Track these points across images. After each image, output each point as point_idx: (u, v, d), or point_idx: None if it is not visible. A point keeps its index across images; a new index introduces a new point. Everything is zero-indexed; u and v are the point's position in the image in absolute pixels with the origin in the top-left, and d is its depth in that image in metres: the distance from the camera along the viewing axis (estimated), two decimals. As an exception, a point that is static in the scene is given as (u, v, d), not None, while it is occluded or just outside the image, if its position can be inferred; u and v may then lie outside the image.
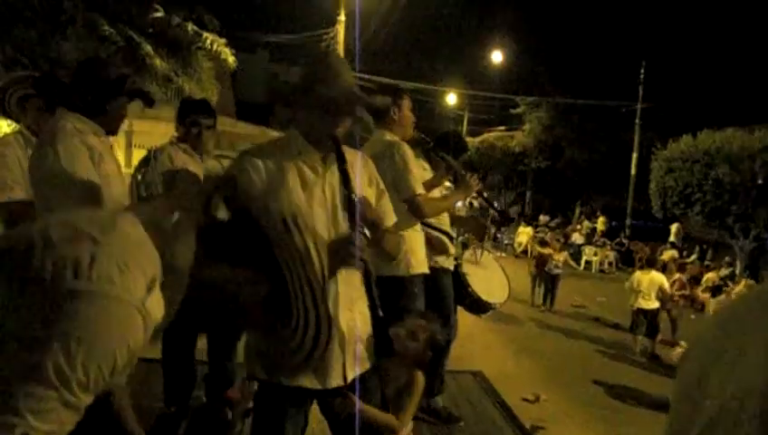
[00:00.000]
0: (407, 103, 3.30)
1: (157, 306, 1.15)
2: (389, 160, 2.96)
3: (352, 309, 1.95)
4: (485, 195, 3.66)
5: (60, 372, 1.00)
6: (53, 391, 1.01)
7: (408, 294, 3.01)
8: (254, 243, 1.31)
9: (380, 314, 1.91)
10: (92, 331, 1.05)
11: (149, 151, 3.22)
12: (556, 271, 10.34)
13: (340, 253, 1.75)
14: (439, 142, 3.86)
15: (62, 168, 2.27)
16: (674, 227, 18.88)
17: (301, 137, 1.95)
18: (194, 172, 3.14)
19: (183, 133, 3.22)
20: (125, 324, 1.09)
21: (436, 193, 3.48)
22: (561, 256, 10.69)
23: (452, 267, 3.70)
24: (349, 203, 1.86)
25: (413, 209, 2.95)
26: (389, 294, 2.79)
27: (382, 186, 2.16)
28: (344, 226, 1.90)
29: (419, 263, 3.11)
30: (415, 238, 3.10)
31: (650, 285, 8.00)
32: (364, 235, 1.79)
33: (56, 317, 1.04)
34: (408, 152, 3.05)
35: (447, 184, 3.90)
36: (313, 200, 1.93)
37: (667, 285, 8.19)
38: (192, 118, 3.20)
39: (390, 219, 2.14)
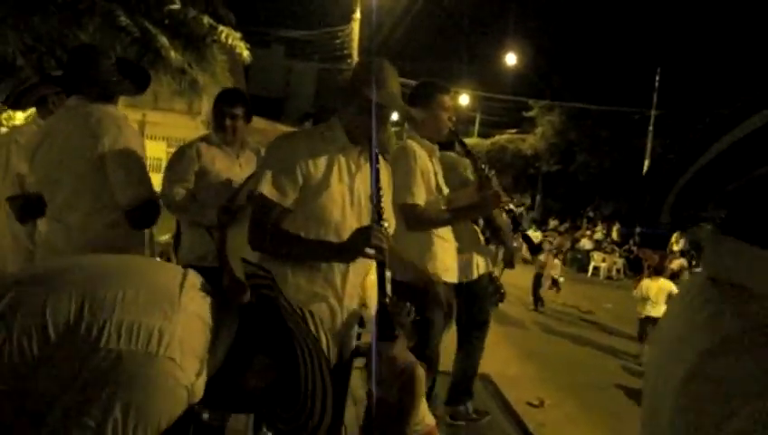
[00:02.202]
0: (438, 102, 2.99)
1: (199, 389, 1.27)
2: (399, 164, 2.86)
3: (357, 296, 2.13)
4: (513, 209, 3.17)
5: (115, 431, 1.11)
6: None
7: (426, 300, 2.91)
8: (275, 332, 1.39)
9: (387, 301, 2.02)
10: (150, 400, 1.16)
11: (179, 148, 3.22)
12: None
13: (362, 239, 1.90)
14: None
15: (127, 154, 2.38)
16: (674, 237, 18.75)
17: (344, 132, 2.11)
18: (221, 171, 3.11)
19: (217, 126, 3.13)
20: (176, 400, 1.21)
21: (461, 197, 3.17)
22: (556, 268, 10.77)
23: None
24: (376, 198, 2.00)
25: (405, 217, 2.78)
26: (408, 300, 2.81)
27: (391, 193, 2.34)
28: (368, 219, 2.05)
29: (441, 271, 2.89)
30: (438, 245, 2.93)
31: (659, 292, 7.95)
32: (385, 228, 1.95)
33: (121, 382, 1.13)
34: (419, 160, 2.86)
35: None
36: (345, 194, 2.08)
37: (676, 292, 8.12)
38: (222, 108, 3.09)
39: (392, 223, 2.30)
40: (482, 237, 3.54)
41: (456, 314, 3.59)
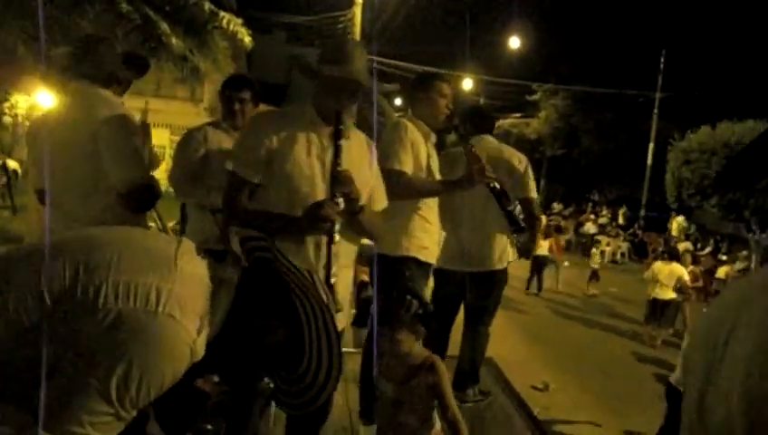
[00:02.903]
0: (436, 89, 3.06)
1: (201, 347, 1.27)
2: (388, 134, 2.92)
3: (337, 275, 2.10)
4: (497, 186, 3.14)
5: (119, 389, 1.13)
6: (111, 407, 1.14)
7: (397, 275, 2.86)
8: (275, 291, 1.39)
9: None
10: (152, 357, 1.17)
11: (187, 132, 3.22)
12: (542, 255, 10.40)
13: (311, 212, 1.96)
14: (464, 118, 3.66)
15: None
16: (675, 222, 18.70)
17: (314, 110, 2.15)
18: (227, 155, 3.12)
19: (225, 112, 3.13)
20: (178, 356, 1.22)
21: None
22: (546, 244, 10.68)
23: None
24: (332, 173, 2.03)
25: (389, 182, 2.73)
26: (384, 274, 2.82)
27: (379, 175, 2.34)
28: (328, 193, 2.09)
29: (415, 248, 2.91)
30: (418, 223, 2.94)
31: (670, 275, 7.99)
32: (337, 203, 1.97)
33: (122, 340, 1.14)
34: (410, 133, 2.89)
35: None
36: (315, 168, 2.10)
37: (687, 276, 8.16)
38: (230, 94, 3.10)
39: (380, 205, 2.32)
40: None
41: (468, 300, 3.62)
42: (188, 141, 3.12)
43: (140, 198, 2.44)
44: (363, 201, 2.15)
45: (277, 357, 1.42)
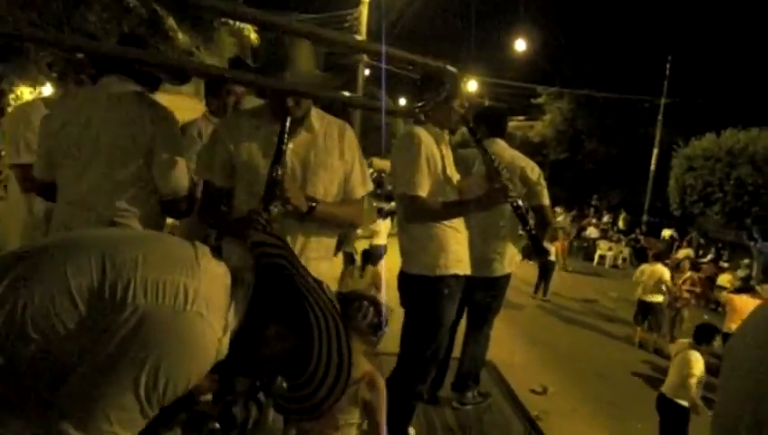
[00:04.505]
0: (447, 86, 2.79)
1: (225, 346, 1.26)
2: (401, 152, 2.79)
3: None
4: (521, 205, 2.86)
5: (147, 387, 1.12)
6: (138, 404, 1.13)
7: (436, 294, 2.75)
8: (288, 297, 1.37)
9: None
10: (181, 355, 1.16)
11: (182, 127, 3.18)
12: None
13: (242, 225, 1.90)
14: (478, 120, 3.52)
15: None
16: (666, 234, 18.81)
17: (269, 109, 2.16)
18: None
19: (220, 105, 3.06)
20: (205, 355, 1.21)
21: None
22: (552, 248, 10.72)
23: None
24: (269, 176, 1.97)
25: (404, 208, 2.70)
26: (417, 294, 2.78)
27: (356, 161, 2.27)
28: (310, 189, 2.11)
29: (453, 264, 2.77)
30: (450, 236, 2.81)
31: (651, 276, 8.07)
32: (268, 211, 1.93)
33: (151, 338, 1.13)
34: (423, 147, 2.72)
35: None
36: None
37: (667, 277, 8.17)
38: (226, 87, 3.02)
39: (359, 191, 2.27)
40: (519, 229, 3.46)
41: (471, 303, 3.57)
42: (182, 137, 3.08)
43: (182, 206, 2.41)
44: (326, 195, 2.15)
45: (284, 363, 1.40)
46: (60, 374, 1.12)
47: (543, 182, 3.58)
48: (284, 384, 1.48)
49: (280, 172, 1.98)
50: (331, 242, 2.29)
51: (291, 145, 2.08)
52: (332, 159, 2.18)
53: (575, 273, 13.46)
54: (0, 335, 1.10)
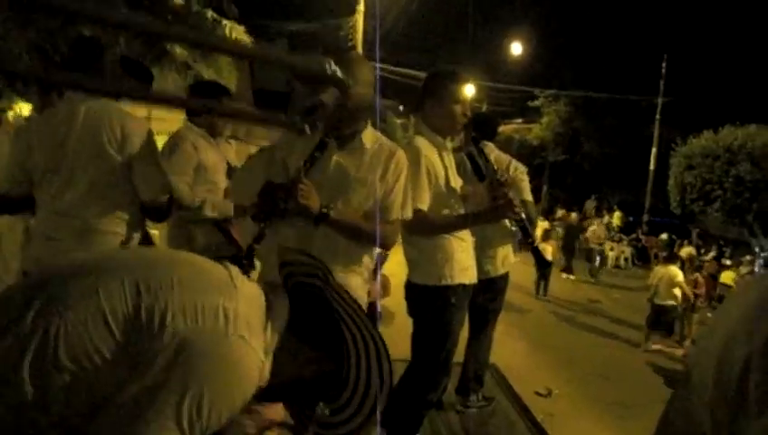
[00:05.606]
0: (449, 93, 2.74)
1: (267, 370, 1.19)
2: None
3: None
4: (524, 219, 2.86)
5: (191, 416, 1.04)
6: (180, 432, 1.04)
7: (443, 304, 2.73)
8: (324, 318, 1.30)
9: None
10: (225, 381, 1.09)
11: (170, 138, 3.21)
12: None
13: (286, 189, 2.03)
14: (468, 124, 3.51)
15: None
16: (663, 237, 18.75)
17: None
18: (218, 162, 3.19)
19: (201, 119, 3.14)
20: (250, 380, 1.14)
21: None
22: (549, 247, 10.71)
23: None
24: (292, 180, 2.04)
25: (407, 221, 2.67)
26: (425, 304, 2.78)
27: (397, 184, 2.23)
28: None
29: (459, 274, 2.76)
30: (456, 245, 2.78)
31: (662, 279, 8.00)
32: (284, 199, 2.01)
33: (193, 364, 1.06)
34: (424, 159, 2.65)
35: None
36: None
37: (680, 278, 8.13)
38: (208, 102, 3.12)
39: (391, 215, 2.22)
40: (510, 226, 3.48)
41: (472, 307, 3.60)
42: (182, 151, 3.10)
43: (161, 210, 2.57)
44: (359, 210, 2.15)
45: (319, 387, 1.34)
46: (95, 405, 1.06)
47: (526, 178, 3.72)
48: (327, 411, 1.40)
49: (301, 172, 2.06)
50: (363, 256, 2.23)
51: (335, 157, 2.15)
52: (373, 177, 2.18)
53: (577, 273, 13.42)
54: (33, 365, 1.04)
